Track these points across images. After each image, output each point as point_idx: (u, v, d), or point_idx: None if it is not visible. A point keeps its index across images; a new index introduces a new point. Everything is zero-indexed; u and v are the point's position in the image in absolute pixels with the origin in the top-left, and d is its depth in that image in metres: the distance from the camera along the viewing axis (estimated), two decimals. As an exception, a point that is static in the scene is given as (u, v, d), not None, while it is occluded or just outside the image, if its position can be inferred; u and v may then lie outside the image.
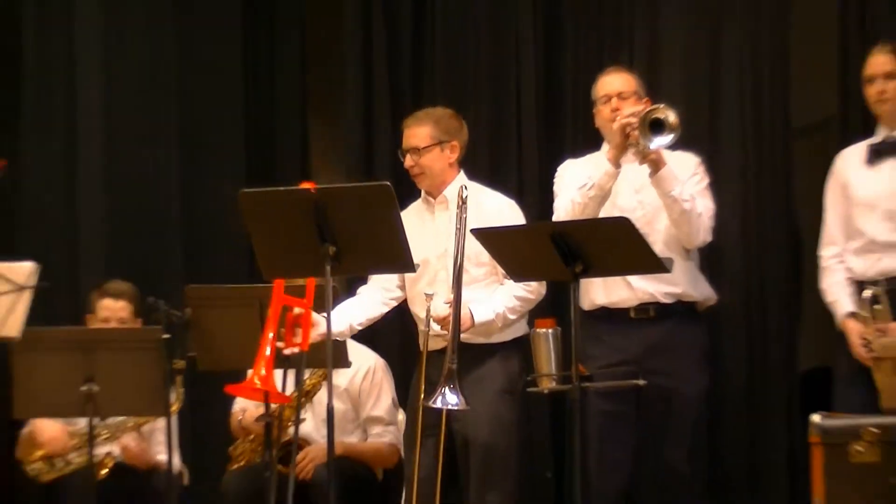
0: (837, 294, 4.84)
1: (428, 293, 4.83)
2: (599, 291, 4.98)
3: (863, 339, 4.67)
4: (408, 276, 5.07)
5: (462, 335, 4.69)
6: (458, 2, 6.35)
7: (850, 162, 4.89)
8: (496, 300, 4.95)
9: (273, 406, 4.78)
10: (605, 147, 4.96)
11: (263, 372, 4.44)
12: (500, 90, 6.18)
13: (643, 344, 4.94)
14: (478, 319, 4.86)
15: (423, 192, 5.14)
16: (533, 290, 4.96)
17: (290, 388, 4.86)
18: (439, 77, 6.39)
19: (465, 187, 4.86)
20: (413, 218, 5.01)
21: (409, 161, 5.09)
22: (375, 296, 5.12)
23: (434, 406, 4.61)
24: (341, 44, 6.57)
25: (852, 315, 4.76)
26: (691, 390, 4.96)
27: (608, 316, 4.99)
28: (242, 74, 6.93)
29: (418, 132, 5.11)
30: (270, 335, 4.49)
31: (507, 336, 5.05)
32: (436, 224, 5.03)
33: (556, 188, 5.13)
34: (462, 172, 5.15)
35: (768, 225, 5.48)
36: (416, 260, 4.56)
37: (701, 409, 5.02)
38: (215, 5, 6.90)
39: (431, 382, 4.78)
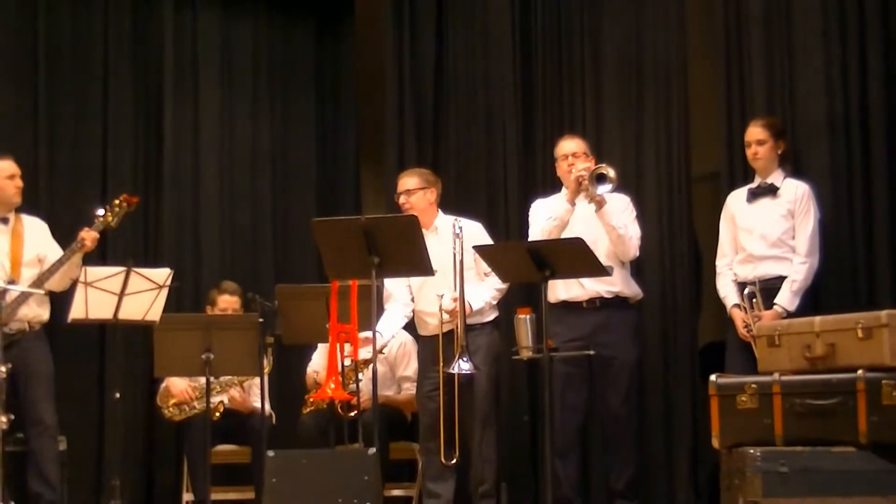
0: (727, 291, 4.73)
1: (439, 294, 4.75)
2: (561, 289, 4.88)
3: (744, 322, 4.59)
4: (414, 284, 5.00)
5: (462, 319, 4.63)
6: (465, 94, 6.24)
7: (737, 200, 4.80)
8: (482, 293, 4.89)
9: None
10: (565, 191, 4.88)
11: (333, 385, 4.44)
12: (493, 152, 6.06)
13: (592, 326, 4.85)
14: (475, 308, 4.81)
15: None
16: (505, 285, 4.91)
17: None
18: (451, 145, 6.29)
19: (458, 220, 4.82)
20: None
21: (402, 199, 5.04)
22: (399, 311, 5.08)
23: (452, 372, 4.59)
24: (384, 120, 6.50)
25: (737, 306, 4.66)
26: (625, 357, 4.86)
27: (567, 306, 4.89)
28: (316, 139, 6.84)
29: (409, 181, 5.07)
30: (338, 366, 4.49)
31: (489, 317, 4.99)
32: (431, 246, 4.80)
33: (530, 219, 5.04)
34: (440, 211, 5.08)
35: (677, 244, 5.35)
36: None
37: (633, 371, 4.91)
38: (297, 93, 6.82)
39: (431, 359, 4.83)
